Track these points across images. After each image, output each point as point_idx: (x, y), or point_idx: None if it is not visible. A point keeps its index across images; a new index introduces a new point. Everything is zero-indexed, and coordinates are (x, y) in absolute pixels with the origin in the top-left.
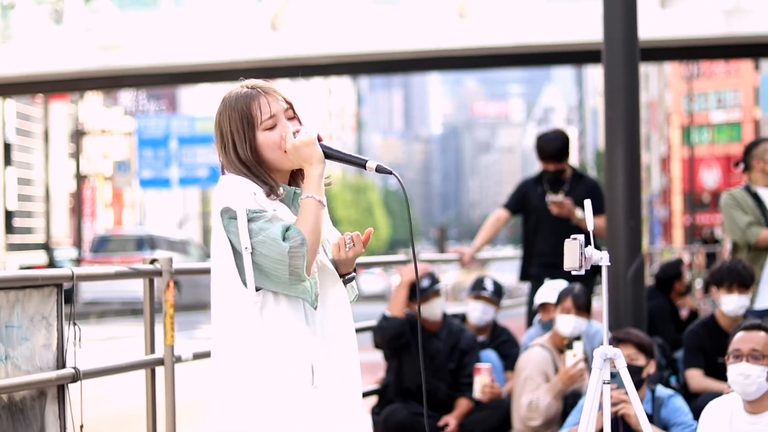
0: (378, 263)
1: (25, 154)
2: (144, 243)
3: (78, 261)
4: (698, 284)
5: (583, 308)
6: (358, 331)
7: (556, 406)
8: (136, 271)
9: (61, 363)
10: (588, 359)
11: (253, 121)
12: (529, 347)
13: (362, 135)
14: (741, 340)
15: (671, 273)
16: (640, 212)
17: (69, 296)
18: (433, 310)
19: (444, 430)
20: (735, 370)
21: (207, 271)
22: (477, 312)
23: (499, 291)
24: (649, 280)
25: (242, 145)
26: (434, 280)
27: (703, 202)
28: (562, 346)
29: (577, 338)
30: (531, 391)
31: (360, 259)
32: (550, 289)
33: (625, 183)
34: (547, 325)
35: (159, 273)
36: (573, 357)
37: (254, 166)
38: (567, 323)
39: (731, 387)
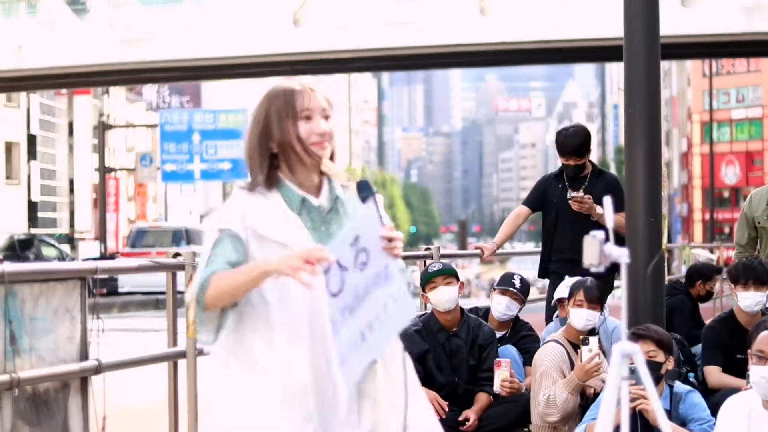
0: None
1: (49, 147)
2: (180, 236)
3: (104, 254)
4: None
5: (596, 300)
6: None
7: (573, 401)
8: (159, 264)
9: (84, 355)
10: (605, 352)
11: (293, 110)
12: (544, 343)
13: (383, 130)
14: (765, 341)
15: (704, 272)
16: (660, 209)
17: (113, 289)
18: (440, 296)
19: (464, 425)
20: (758, 372)
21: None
22: (501, 307)
23: (526, 288)
24: (667, 277)
25: (276, 132)
26: (444, 267)
27: (723, 198)
28: (578, 340)
29: (592, 332)
30: (548, 387)
31: None
32: (569, 285)
33: (646, 179)
34: (566, 321)
35: (182, 267)
36: (589, 352)
37: (284, 151)
38: (579, 316)
39: (753, 387)
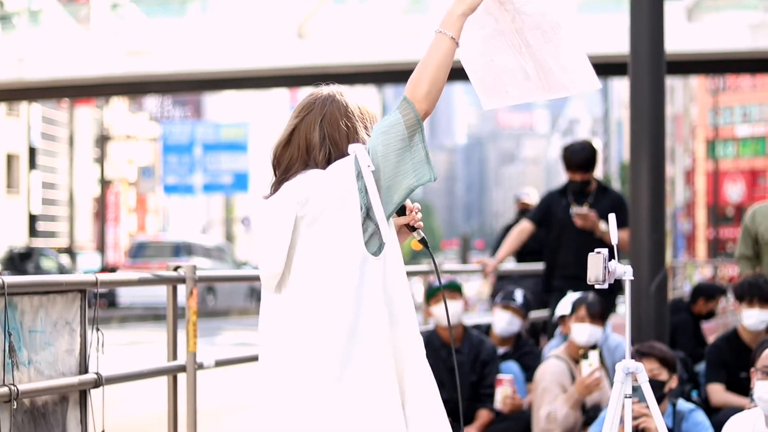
0: None
1: (50, 159)
2: (181, 249)
3: (104, 267)
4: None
5: (598, 316)
6: None
7: (574, 417)
8: (160, 277)
9: (83, 368)
10: (607, 369)
11: (364, 130)
12: (546, 359)
13: None
14: None
15: (707, 291)
16: (664, 226)
17: (113, 301)
18: (445, 311)
19: None
20: (763, 387)
21: (231, 279)
22: (503, 322)
23: (527, 304)
24: (671, 294)
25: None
26: (450, 282)
27: (726, 215)
28: (578, 356)
29: (593, 347)
30: (549, 403)
31: None
32: (571, 302)
33: (650, 196)
34: (567, 337)
35: (182, 280)
36: (589, 366)
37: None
38: (582, 331)
39: (757, 403)
